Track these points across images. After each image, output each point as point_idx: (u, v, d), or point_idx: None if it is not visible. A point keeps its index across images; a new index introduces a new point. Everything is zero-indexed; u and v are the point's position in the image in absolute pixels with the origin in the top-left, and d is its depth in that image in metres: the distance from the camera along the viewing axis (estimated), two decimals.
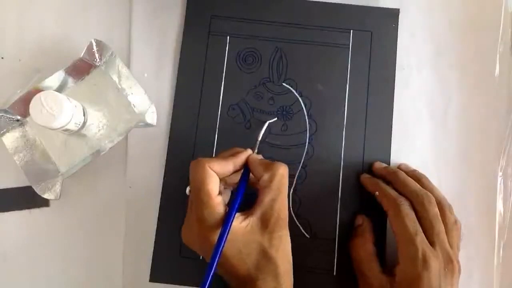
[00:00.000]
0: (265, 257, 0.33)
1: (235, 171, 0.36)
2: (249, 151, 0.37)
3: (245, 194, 0.35)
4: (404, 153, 0.44)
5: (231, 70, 0.44)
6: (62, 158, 0.40)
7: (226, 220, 0.32)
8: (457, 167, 0.44)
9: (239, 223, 0.33)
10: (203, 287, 0.30)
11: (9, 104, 0.40)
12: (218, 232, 0.32)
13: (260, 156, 0.38)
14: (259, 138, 0.39)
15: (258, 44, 0.45)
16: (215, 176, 0.34)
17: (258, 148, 0.38)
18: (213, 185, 0.33)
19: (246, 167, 0.36)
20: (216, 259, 0.31)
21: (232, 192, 0.39)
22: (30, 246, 0.43)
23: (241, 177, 0.36)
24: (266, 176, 0.34)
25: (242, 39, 0.45)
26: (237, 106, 0.44)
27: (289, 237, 0.35)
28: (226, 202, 0.36)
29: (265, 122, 0.42)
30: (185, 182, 0.42)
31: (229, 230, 0.32)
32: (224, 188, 0.37)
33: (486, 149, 0.44)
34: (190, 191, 0.36)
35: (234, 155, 0.36)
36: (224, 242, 0.32)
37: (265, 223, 0.33)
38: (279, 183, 0.34)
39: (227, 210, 0.33)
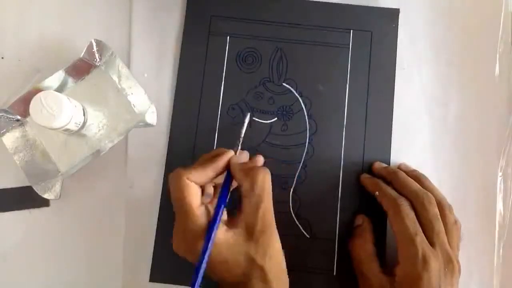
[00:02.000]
0: (253, 265, 0.33)
1: (218, 175, 0.35)
2: (231, 153, 0.36)
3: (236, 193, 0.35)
4: (404, 153, 0.44)
5: (231, 70, 0.44)
6: (62, 158, 0.40)
7: (208, 232, 0.32)
8: (457, 167, 0.44)
9: (222, 234, 0.33)
10: None
11: (9, 104, 0.40)
12: (202, 241, 0.32)
13: (245, 156, 0.38)
14: (242, 135, 0.38)
15: (258, 44, 0.45)
16: (194, 187, 0.33)
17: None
18: (193, 197, 0.33)
19: (227, 176, 0.36)
20: (200, 275, 0.31)
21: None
22: (30, 246, 0.43)
23: (222, 185, 0.35)
24: (246, 184, 0.34)
25: (242, 39, 0.45)
26: (237, 106, 0.44)
27: (277, 242, 0.34)
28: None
29: (245, 117, 0.40)
30: None
31: (212, 242, 0.32)
32: (215, 188, 0.37)
33: (486, 149, 0.44)
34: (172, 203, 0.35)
35: (215, 158, 0.35)
36: (208, 256, 0.32)
37: (249, 232, 0.33)
38: (260, 190, 0.33)
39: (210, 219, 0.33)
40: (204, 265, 0.32)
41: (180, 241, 0.34)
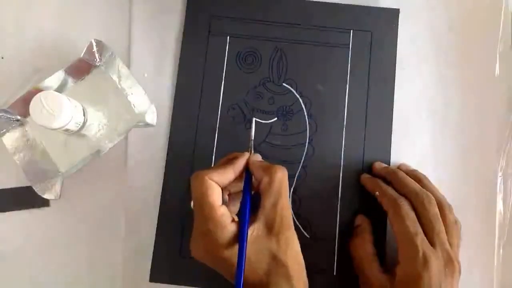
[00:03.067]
0: (275, 260, 0.33)
1: (236, 177, 0.36)
2: (247, 155, 0.37)
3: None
4: (404, 153, 0.44)
5: (231, 70, 0.44)
6: (62, 158, 0.40)
7: (240, 237, 0.32)
8: (457, 167, 0.44)
9: None
10: None
11: (9, 104, 0.39)
12: (225, 243, 0.32)
13: (259, 157, 0.38)
14: (252, 138, 0.39)
15: (258, 44, 0.45)
16: (216, 187, 0.34)
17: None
18: (215, 196, 0.33)
19: (247, 174, 0.36)
20: (241, 276, 0.31)
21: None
22: (30, 246, 0.43)
23: (244, 188, 0.36)
24: (265, 180, 0.34)
25: (242, 39, 0.45)
26: (237, 106, 0.44)
27: (296, 238, 0.34)
28: (235, 213, 0.36)
29: (252, 119, 0.41)
30: (185, 183, 0.42)
31: (246, 247, 0.32)
32: (229, 196, 0.37)
33: (486, 149, 0.44)
34: (193, 205, 0.36)
35: (232, 161, 0.36)
36: (244, 260, 0.31)
37: (270, 227, 0.33)
38: (279, 186, 0.34)
39: (234, 220, 0.33)
40: (242, 271, 0.31)
41: (201, 245, 0.34)
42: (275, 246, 0.33)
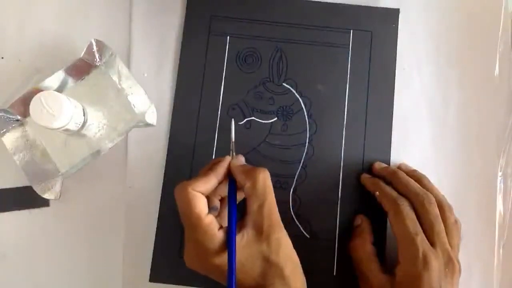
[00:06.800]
0: (268, 263, 0.33)
1: (220, 182, 0.36)
2: (228, 159, 0.37)
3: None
4: (404, 153, 0.44)
5: (231, 70, 0.44)
6: (62, 158, 0.40)
7: (229, 244, 0.32)
8: (457, 167, 0.44)
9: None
10: None
11: (9, 104, 0.40)
12: (215, 251, 0.32)
13: (241, 159, 0.38)
14: (233, 140, 0.38)
15: (258, 44, 0.45)
16: (201, 197, 0.33)
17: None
18: (201, 206, 0.33)
19: (230, 179, 0.36)
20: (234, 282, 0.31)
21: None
22: (30, 246, 0.43)
23: (228, 192, 0.36)
24: (248, 184, 0.34)
25: (242, 39, 0.45)
26: (237, 106, 0.44)
27: (287, 238, 0.35)
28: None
29: (232, 121, 0.39)
30: None
31: (235, 253, 0.32)
32: (222, 201, 0.37)
33: (486, 149, 0.44)
34: (181, 217, 0.35)
35: (214, 166, 0.36)
36: (234, 266, 0.32)
37: (259, 231, 0.33)
38: (262, 189, 0.34)
39: (223, 227, 0.33)
40: (234, 278, 0.31)
41: (191, 254, 0.34)
42: (266, 249, 0.33)
